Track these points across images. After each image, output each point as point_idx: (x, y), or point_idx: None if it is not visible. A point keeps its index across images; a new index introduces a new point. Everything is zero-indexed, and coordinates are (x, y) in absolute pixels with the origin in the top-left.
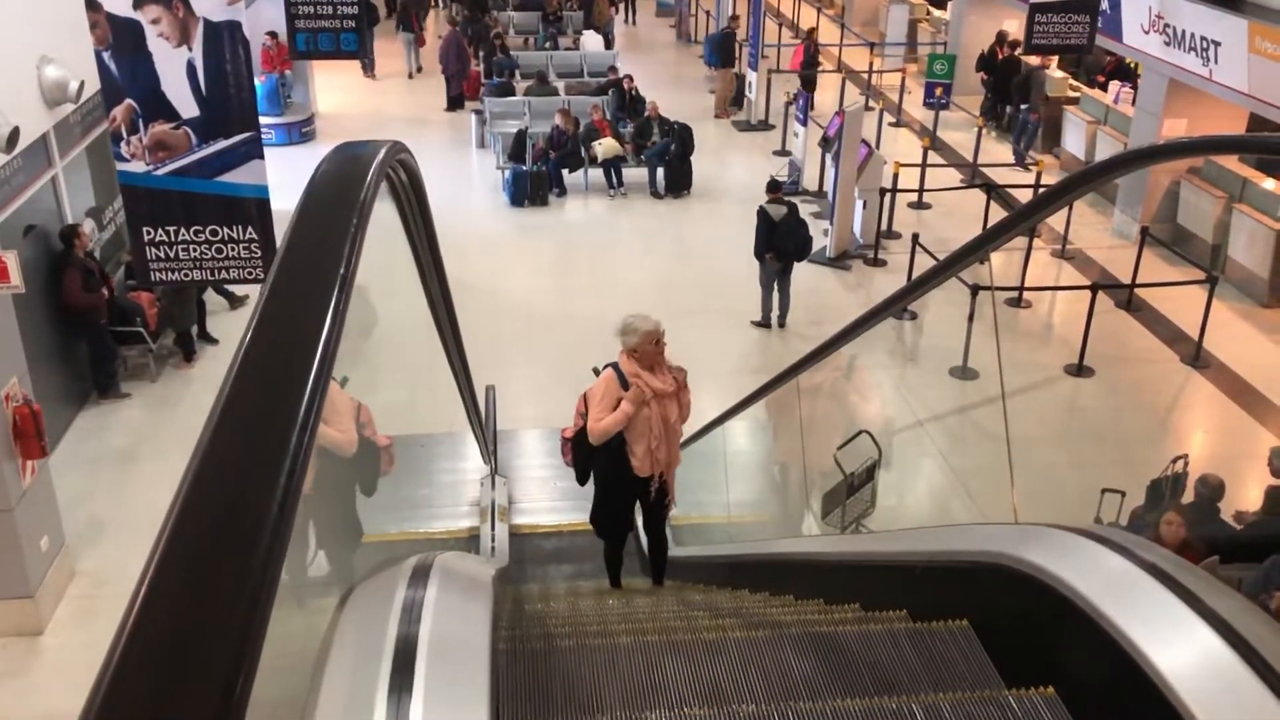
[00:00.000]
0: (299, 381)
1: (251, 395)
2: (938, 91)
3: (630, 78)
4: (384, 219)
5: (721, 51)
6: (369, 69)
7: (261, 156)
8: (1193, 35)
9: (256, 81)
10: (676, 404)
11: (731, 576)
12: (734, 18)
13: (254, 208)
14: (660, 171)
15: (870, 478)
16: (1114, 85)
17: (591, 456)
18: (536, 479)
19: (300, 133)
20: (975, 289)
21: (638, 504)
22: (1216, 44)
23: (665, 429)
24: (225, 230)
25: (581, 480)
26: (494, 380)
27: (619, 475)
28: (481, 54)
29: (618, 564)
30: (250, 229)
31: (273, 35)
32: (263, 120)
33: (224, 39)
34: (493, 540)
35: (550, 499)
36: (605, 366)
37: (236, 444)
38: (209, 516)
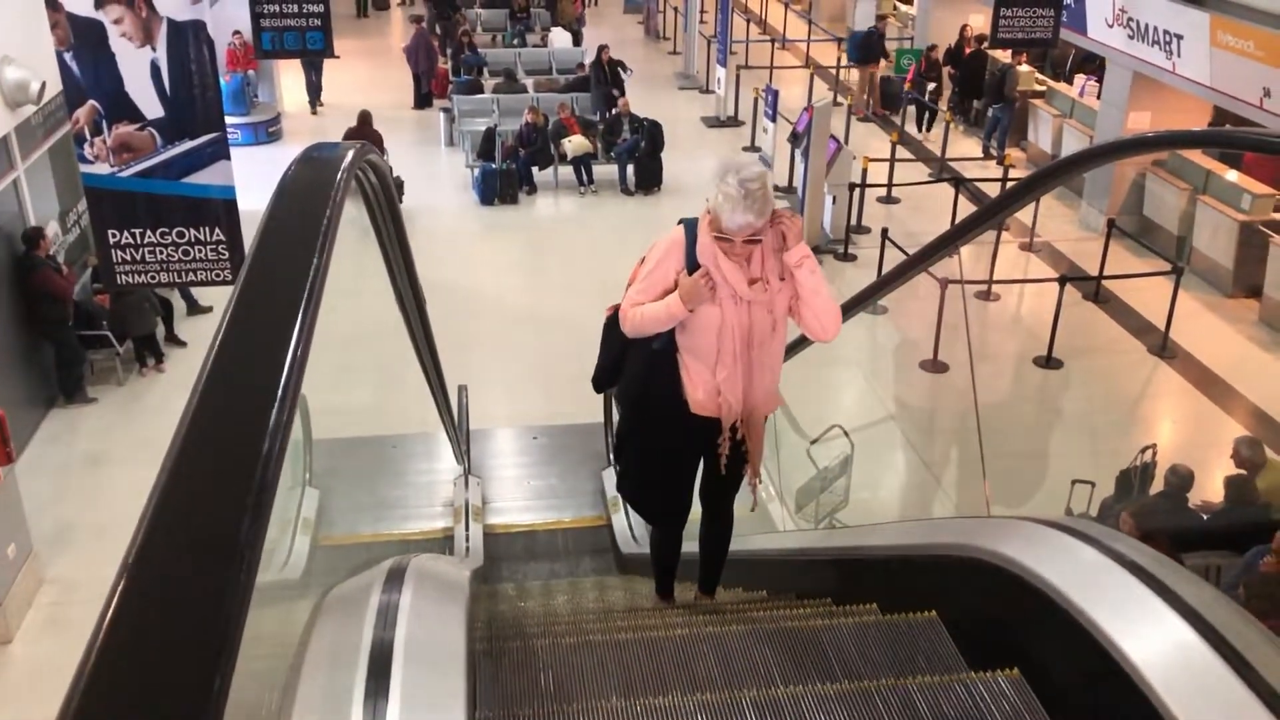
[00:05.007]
0: (264, 407)
1: (217, 419)
2: (906, 86)
3: (606, 47)
4: (354, 219)
5: (864, 49)
6: (314, 106)
7: (228, 157)
8: (1156, 29)
9: (222, 81)
10: (783, 307)
11: (694, 570)
12: (881, 20)
13: (221, 209)
14: (630, 168)
15: (844, 472)
16: (1079, 79)
17: (624, 357)
18: (511, 478)
19: (267, 132)
20: (945, 283)
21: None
22: (1179, 38)
23: (750, 350)
24: (192, 232)
25: (598, 385)
26: (466, 380)
27: (665, 408)
28: (449, 52)
29: (670, 560)
30: (218, 230)
31: (238, 34)
32: (229, 120)
33: (188, 39)
34: (467, 541)
35: (525, 498)
36: (680, 223)
37: (199, 482)
38: (177, 538)
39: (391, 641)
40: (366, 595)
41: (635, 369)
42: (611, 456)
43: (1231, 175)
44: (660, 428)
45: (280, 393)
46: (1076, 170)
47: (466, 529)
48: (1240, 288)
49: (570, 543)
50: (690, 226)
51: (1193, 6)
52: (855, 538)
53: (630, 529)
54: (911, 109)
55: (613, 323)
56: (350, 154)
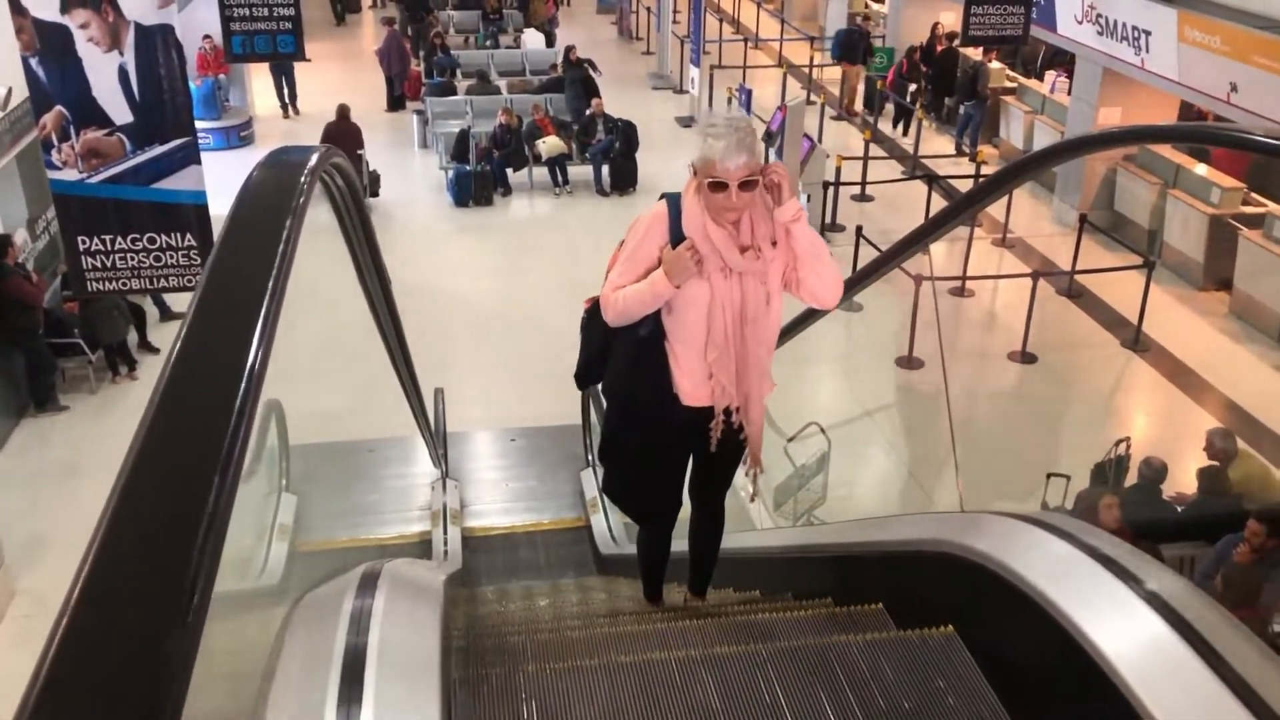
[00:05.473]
0: (222, 419)
1: (171, 435)
2: (880, 84)
3: (573, 47)
4: (323, 223)
5: (846, 48)
6: (288, 111)
7: (198, 162)
8: (1125, 25)
9: (192, 85)
10: (778, 277)
11: (675, 570)
12: (865, 17)
13: (192, 214)
14: (605, 169)
15: (821, 469)
16: (1050, 75)
17: (607, 348)
18: (489, 481)
19: (239, 137)
20: (919, 279)
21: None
22: (1148, 33)
23: (743, 327)
24: (163, 238)
25: (581, 381)
26: (443, 382)
27: (655, 401)
28: (422, 54)
29: (659, 562)
30: (189, 236)
31: (208, 38)
32: (200, 125)
33: (156, 43)
34: (445, 544)
35: (503, 501)
36: (662, 197)
37: (156, 488)
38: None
39: (364, 647)
40: (339, 601)
41: (621, 360)
42: (595, 456)
43: (1201, 169)
44: (650, 423)
45: (237, 407)
46: (1041, 166)
47: (445, 532)
48: (1211, 280)
49: (550, 544)
50: (673, 200)
51: (1161, 3)
52: (833, 535)
53: (609, 530)
54: (890, 108)
55: (593, 314)
56: (314, 158)
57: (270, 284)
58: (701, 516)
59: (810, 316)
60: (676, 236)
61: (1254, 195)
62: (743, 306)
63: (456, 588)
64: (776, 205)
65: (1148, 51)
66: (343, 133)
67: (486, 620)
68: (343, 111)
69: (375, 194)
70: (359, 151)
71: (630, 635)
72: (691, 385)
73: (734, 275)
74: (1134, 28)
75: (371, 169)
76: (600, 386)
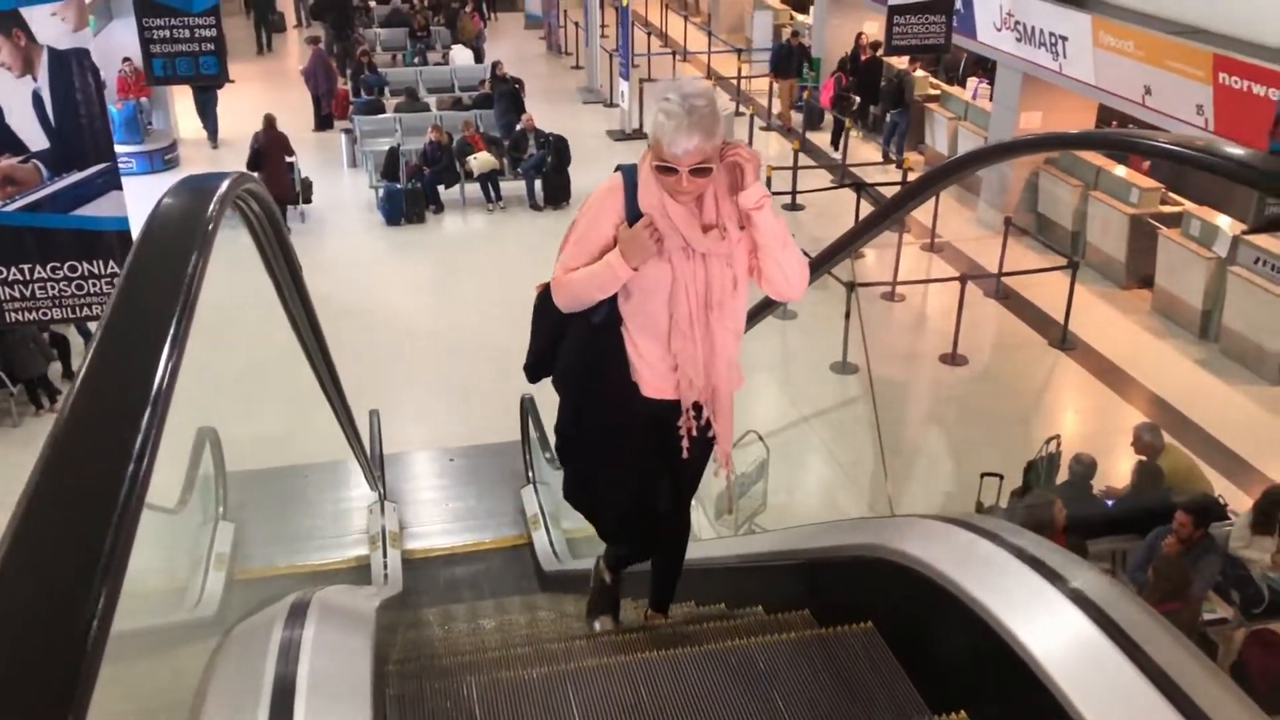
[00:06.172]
0: (121, 455)
1: (76, 467)
2: (805, 94)
3: (499, 63)
4: (244, 249)
5: (783, 62)
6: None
7: (120, 187)
8: (1042, 31)
9: (113, 109)
10: (744, 259)
11: (625, 586)
12: (794, 32)
13: (115, 241)
14: (538, 184)
15: (761, 476)
16: (971, 82)
17: (560, 337)
18: (428, 501)
19: (163, 160)
20: (850, 285)
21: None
22: (1064, 39)
23: (708, 312)
24: (85, 265)
25: (531, 373)
26: (378, 403)
27: (612, 393)
28: (349, 72)
29: (612, 583)
30: (112, 263)
31: (128, 61)
32: (122, 149)
33: (71, 67)
34: (385, 568)
35: (443, 521)
36: (618, 169)
37: (57, 519)
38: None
39: (294, 677)
40: (268, 631)
41: (572, 350)
42: (553, 453)
43: (1120, 171)
44: (607, 418)
45: (137, 444)
46: (948, 178)
47: (384, 555)
48: (1133, 279)
49: (492, 563)
50: (629, 172)
51: (1075, 9)
52: (767, 544)
53: (552, 547)
54: (829, 120)
55: (544, 300)
56: (225, 184)
57: (175, 317)
58: (664, 525)
59: (769, 306)
60: (633, 213)
61: (1171, 195)
62: (707, 290)
63: (395, 612)
64: (740, 189)
65: (1065, 57)
66: (272, 140)
67: (427, 645)
68: (270, 120)
69: (309, 200)
70: (290, 159)
71: (591, 670)
72: (653, 375)
73: (697, 256)
74: (1051, 34)
75: (303, 175)
76: (551, 380)
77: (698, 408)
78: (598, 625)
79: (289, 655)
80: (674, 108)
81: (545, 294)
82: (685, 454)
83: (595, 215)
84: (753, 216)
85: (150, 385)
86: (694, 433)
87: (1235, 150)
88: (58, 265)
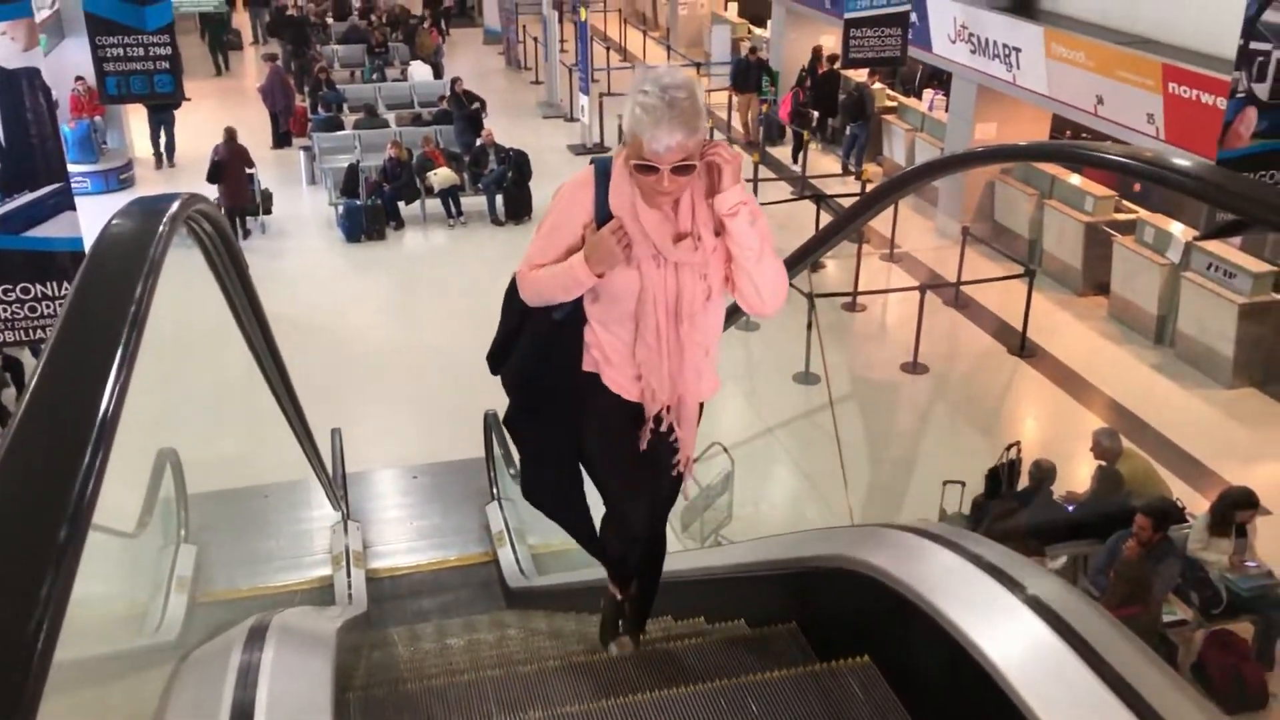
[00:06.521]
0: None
1: (16, 499)
2: (764, 107)
3: (459, 79)
4: (204, 269)
5: (742, 77)
6: (162, 161)
7: (73, 208)
8: (996, 43)
9: (66, 129)
10: (720, 270)
11: (587, 601)
12: (752, 48)
13: (69, 262)
14: (499, 198)
15: (726, 488)
16: (928, 94)
17: (521, 327)
18: (392, 520)
19: (118, 180)
20: (811, 296)
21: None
22: (1018, 50)
23: (678, 325)
24: (38, 288)
25: (493, 365)
26: (340, 421)
27: (560, 384)
28: (307, 89)
29: (623, 600)
30: (65, 285)
31: (81, 80)
32: (76, 169)
33: (22, 87)
34: (349, 588)
35: (408, 540)
36: (591, 162)
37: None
38: None
39: (252, 703)
40: (226, 656)
41: (526, 343)
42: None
43: (1075, 179)
44: (558, 416)
45: (82, 471)
46: (900, 190)
47: (348, 575)
48: (1089, 286)
49: (457, 581)
50: (602, 168)
51: (1027, 21)
52: (727, 556)
53: (518, 563)
54: (789, 135)
55: (514, 288)
56: (175, 205)
57: (122, 341)
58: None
59: (734, 315)
60: (603, 212)
61: (1125, 203)
62: (678, 301)
63: (358, 633)
64: (717, 192)
65: (1019, 68)
66: (233, 153)
67: (392, 667)
68: (230, 133)
69: (269, 211)
70: (249, 170)
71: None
72: (618, 375)
73: (668, 265)
74: (1004, 45)
75: (263, 187)
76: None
77: (658, 418)
78: (614, 649)
79: (247, 679)
80: (652, 101)
81: (512, 280)
82: (644, 446)
83: (564, 211)
84: (726, 223)
85: (96, 411)
86: (650, 437)
87: (1183, 162)
88: (10, 287)
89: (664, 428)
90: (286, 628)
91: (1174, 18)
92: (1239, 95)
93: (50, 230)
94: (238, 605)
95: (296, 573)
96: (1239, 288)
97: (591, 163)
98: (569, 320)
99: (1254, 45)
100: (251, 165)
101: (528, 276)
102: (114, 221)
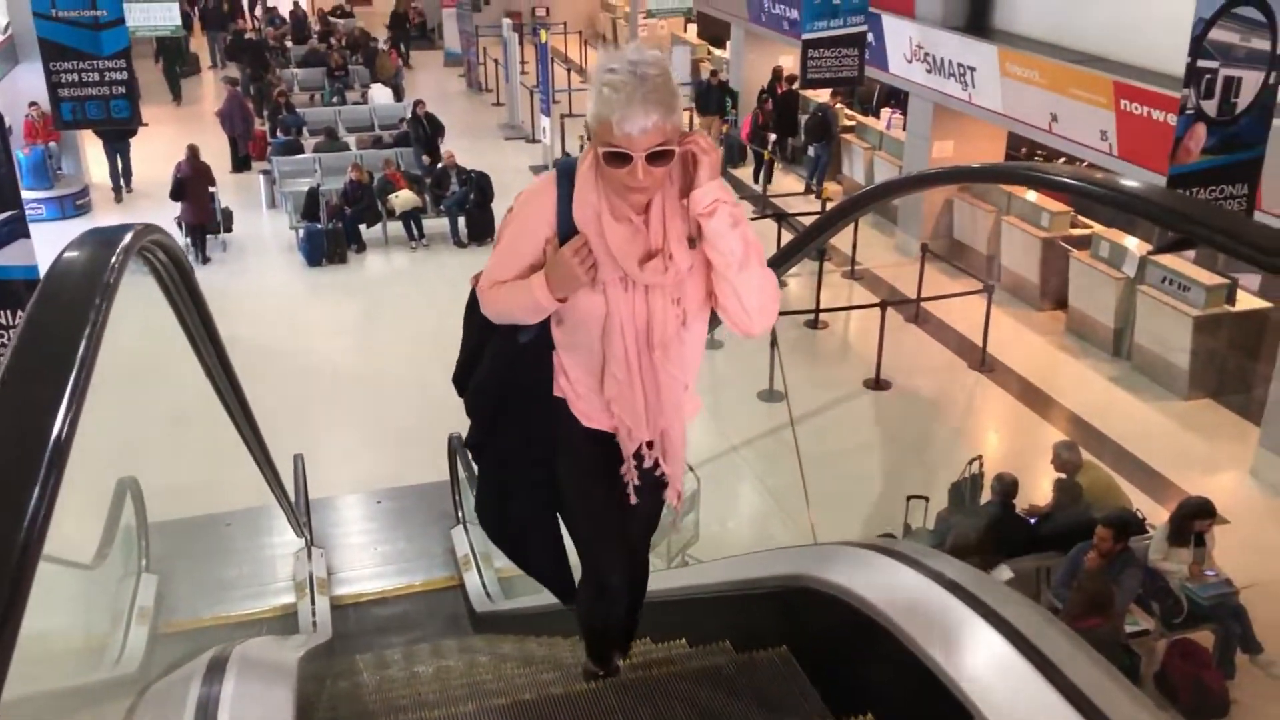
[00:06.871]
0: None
1: None
2: (724, 128)
3: (421, 101)
4: (155, 301)
5: (704, 100)
6: (121, 189)
7: (28, 235)
8: (951, 62)
9: (20, 154)
10: (698, 292)
11: (555, 624)
12: (714, 72)
13: (23, 290)
14: (461, 220)
15: (692, 508)
16: (885, 113)
17: (483, 344)
18: (356, 546)
19: (74, 206)
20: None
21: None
22: (973, 69)
23: (650, 353)
24: None
25: (459, 385)
26: (302, 447)
27: (538, 415)
28: (266, 113)
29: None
30: (20, 313)
31: (35, 105)
32: (31, 195)
33: None
34: (313, 615)
35: (373, 565)
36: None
37: None
38: None
39: None
40: (185, 689)
41: (488, 369)
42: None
43: (1031, 195)
44: (527, 441)
45: (30, 508)
46: (857, 210)
47: (312, 603)
48: (1048, 300)
49: (423, 606)
50: (566, 171)
51: (982, 40)
52: (698, 576)
53: (484, 587)
54: (750, 156)
55: (474, 300)
56: (128, 236)
57: (75, 370)
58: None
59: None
60: (566, 224)
61: (1081, 218)
62: (649, 328)
63: (322, 661)
64: (694, 188)
65: (974, 87)
66: (196, 170)
67: (357, 698)
68: (193, 151)
69: (229, 229)
70: (211, 189)
71: None
72: (588, 408)
73: (637, 287)
74: (960, 64)
75: (224, 206)
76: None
77: (639, 456)
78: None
79: (207, 712)
80: (621, 78)
81: (472, 294)
82: (633, 498)
83: (524, 221)
84: (703, 225)
85: (48, 438)
86: (636, 481)
87: (1132, 184)
88: None
89: (648, 464)
90: (247, 659)
91: (1125, 36)
92: (1188, 112)
93: (4, 258)
94: (201, 635)
95: (260, 601)
96: (1193, 300)
97: (555, 163)
98: (536, 342)
99: (1201, 63)
100: (213, 183)
101: (487, 295)
102: (67, 251)
